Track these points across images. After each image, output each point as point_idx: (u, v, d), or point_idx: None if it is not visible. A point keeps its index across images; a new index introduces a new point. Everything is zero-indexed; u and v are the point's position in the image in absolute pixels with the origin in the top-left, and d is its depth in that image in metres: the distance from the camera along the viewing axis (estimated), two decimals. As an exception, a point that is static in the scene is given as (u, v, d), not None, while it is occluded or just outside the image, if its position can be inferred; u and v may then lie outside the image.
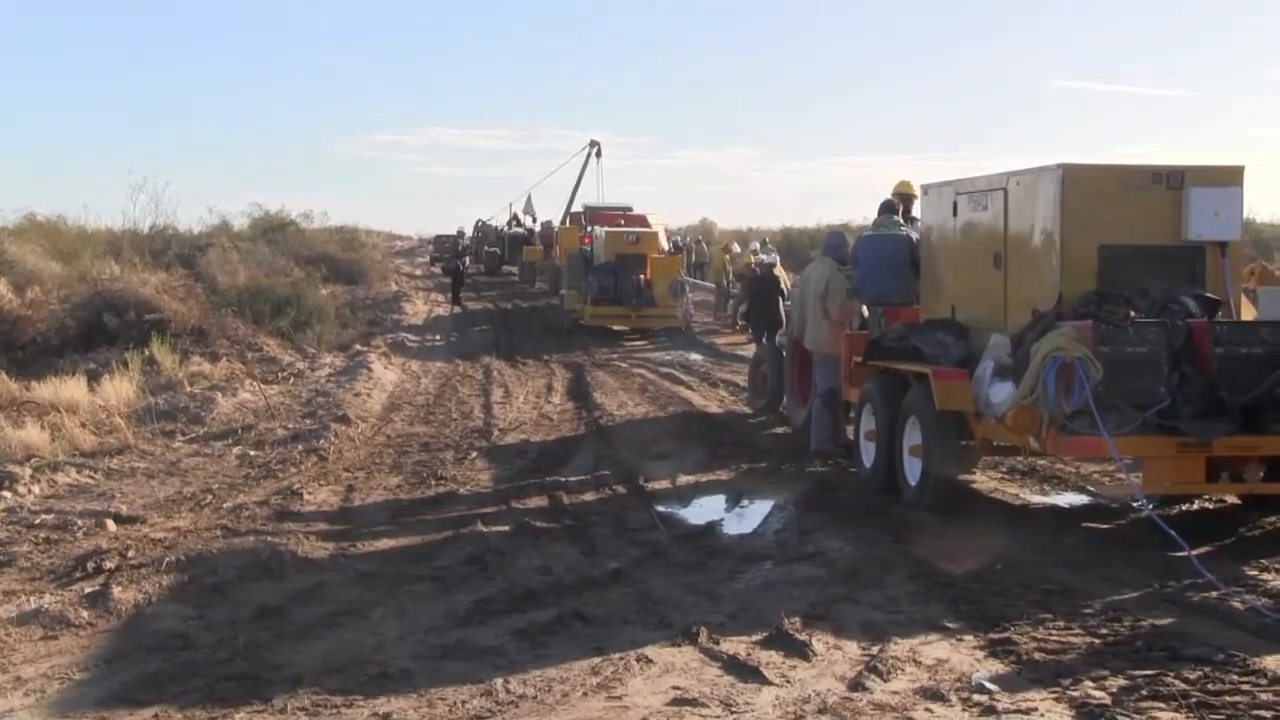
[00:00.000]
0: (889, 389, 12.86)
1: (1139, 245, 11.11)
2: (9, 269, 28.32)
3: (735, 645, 8.03)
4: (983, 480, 13.50)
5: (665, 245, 37.37)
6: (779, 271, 25.87)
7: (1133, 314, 10.55)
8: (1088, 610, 8.66)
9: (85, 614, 8.82)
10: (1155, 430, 10.28)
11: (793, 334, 17.82)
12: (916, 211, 15.22)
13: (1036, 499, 12.85)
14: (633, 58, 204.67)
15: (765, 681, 7.38)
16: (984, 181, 12.31)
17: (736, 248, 41.98)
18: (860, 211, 62.38)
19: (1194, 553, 9.35)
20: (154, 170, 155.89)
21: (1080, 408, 10.08)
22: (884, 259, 14.68)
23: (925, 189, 13.71)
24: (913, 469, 12.16)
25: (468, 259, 48.87)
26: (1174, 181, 11.16)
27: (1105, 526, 11.58)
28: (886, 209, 15.14)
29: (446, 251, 43.76)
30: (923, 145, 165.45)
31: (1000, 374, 11.05)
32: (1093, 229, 11.00)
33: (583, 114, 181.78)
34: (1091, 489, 12.95)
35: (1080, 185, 11.02)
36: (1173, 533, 9.60)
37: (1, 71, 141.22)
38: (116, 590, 9.29)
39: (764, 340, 25.51)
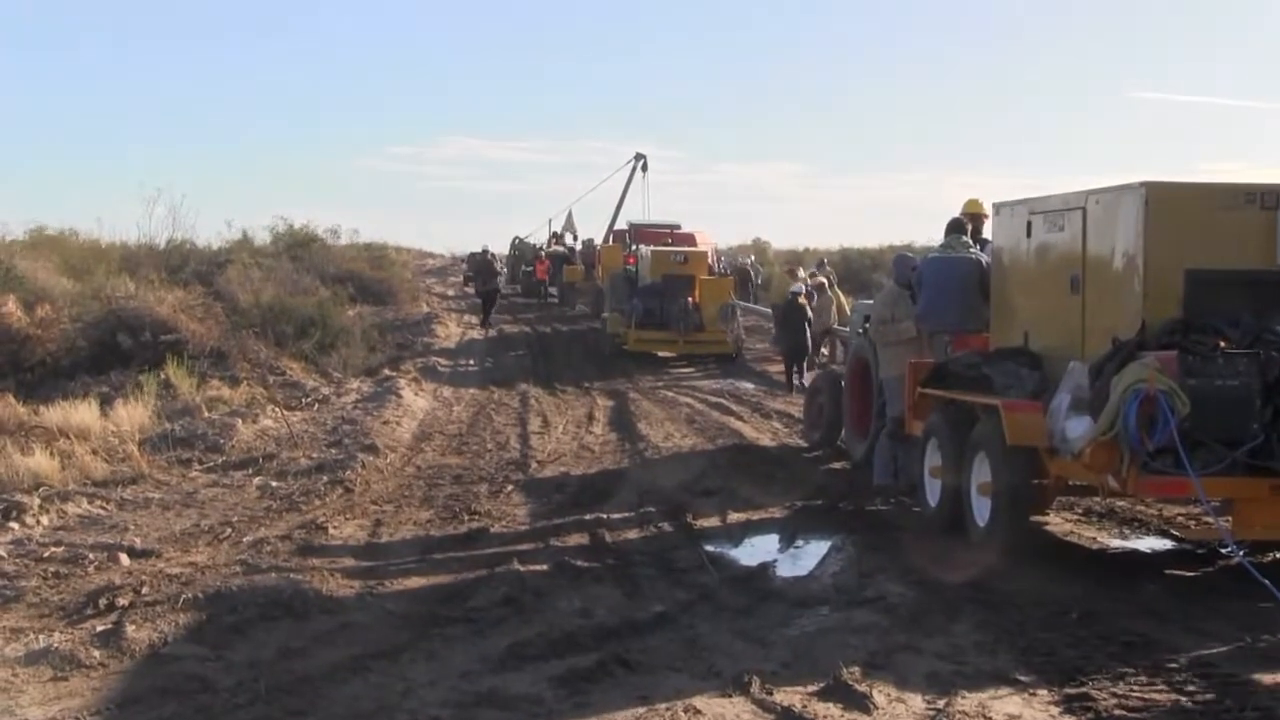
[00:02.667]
0: (956, 422, 12.81)
1: (1229, 270, 10.99)
2: (18, 285, 28.49)
3: (790, 696, 7.99)
4: (1057, 522, 13.41)
5: (714, 265, 37.32)
6: (803, 300, 27.77)
7: (1222, 344, 10.45)
8: (1172, 665, 8.58)
9: (97, 654, 8.85)
10: (1246, 470, 10.19)
11: (850, 361, 17.81)
12: (987, 232, 15.16)
13: (1115, 543, 12.76)
14: (676, 68, 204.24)
15: (822, 736, 7.34)
16: (1060, 200, 12.24)
17: (801, 272, 42.05)
18: (924, 231, 62.27)
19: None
20: (171, 182, 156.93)
21: (1164, 445, 9.99)
22: (951, 282, 14.62)
23: (997, 208, 13.64)
24: (981, 508, 12.09)
25: (501, 279, 48.94)
26: (1269, 201, 11.04)
27: (1191, 574, 11.49)
28: (954, 228, 15.10)
29: (483, 270, 44.00)
30: (986, 161, 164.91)
31: (1077, 407, 10.97)
32: (1178, 252, 10.91)
33: (624, 125, 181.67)
34: (1176, 533, 12.84)
35: (1165, 205, 10.93)
36: (1266, 582, 9.49)
37: (11, 77, 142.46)
38: (130, 629, 9.32)
39: (793, 368, 27.51)
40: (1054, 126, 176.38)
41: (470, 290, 56.01)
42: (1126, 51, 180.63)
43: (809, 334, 27.69)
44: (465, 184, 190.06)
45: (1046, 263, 12.46)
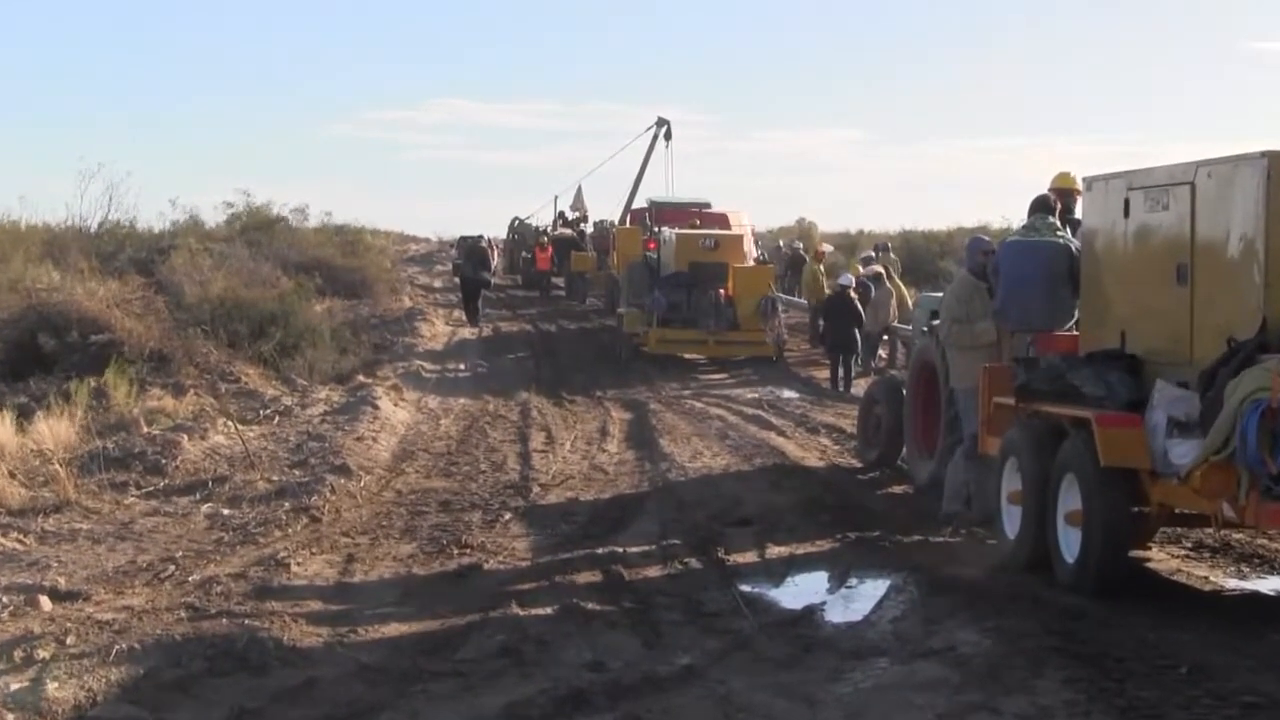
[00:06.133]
0: (1039, 439, 12.78)
1: (1368, 255, 10.96)
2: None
3: (841, 767, 7.97)
4: (1161, 558, 13.38)
5: (753, 252, 37.33)
6: (854, 293, 29.25)
7: (1361, 345, 10.42)
8: (1302, 730, 8.55)
9: (11, 717, 8.84)
10: (1391, 497, 10.15)
11: (913, 366, 17.80)
12: (1078, 212, 15.11)
13: (1232, 584, 12.73)
14: (705, 14, 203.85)
15: (880, 815, 7.32)
16: (1164, 174, 12.21)
17: (826, 247, 42.24)
18: (1003, 210, 62.22)
19: None
20: (113, 156, 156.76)
21: (1290, 466, 9.96)
22: (1033, 272, 14.59)
23: (1088, 183, 13.61)
24: (1069, 541, 12.06)
25: (490, 273, 48.43)
26: None
27: (1324, 621, 11.45)
28: (1040, 207, 15.03)
29: (473, 256, 43.85)
30: (1078, 124, 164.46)
31: (1182, 430, 10.95)
32: (1307, 235, 10.88)
33: (645, 85, 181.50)
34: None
35: (1292, 178, 10.90)
36: None
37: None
38: (51, 686, 9.31)
39: (839, 367, 28.84)
40: (1160, 85, 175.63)
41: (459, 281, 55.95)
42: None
43: (858, 333, 28.26)
44: (456, 154, 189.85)
45: (1148, 248, 12.42)
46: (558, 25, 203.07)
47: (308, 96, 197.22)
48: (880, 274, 31.84)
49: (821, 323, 31.69)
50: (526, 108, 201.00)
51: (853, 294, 29.26)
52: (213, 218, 51.89)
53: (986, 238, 17.37)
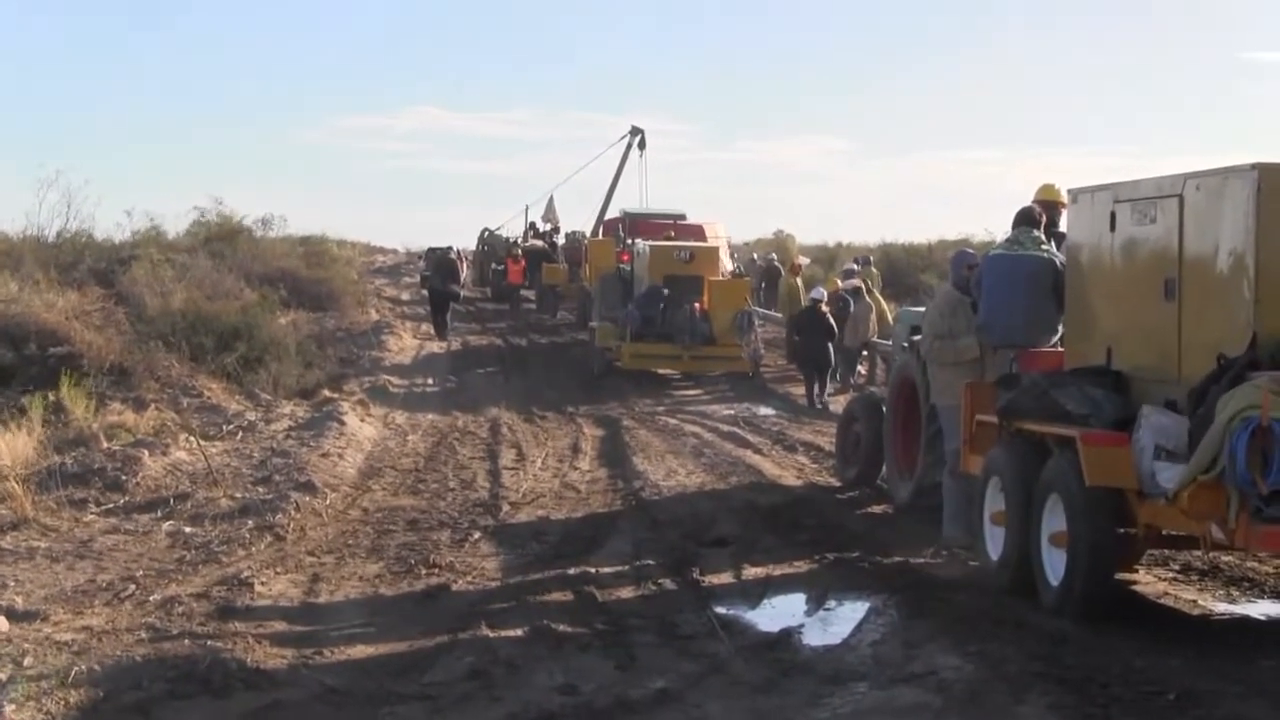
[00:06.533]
0: (1022, 458, 12.77)
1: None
2: None
3: (821, 794, 7.95)
4: (1148, 581, 13.39)
5: (729, 264, 37.31)
6: (825, 307, 29.68)
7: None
8: (1292, 758, 8.54)
9: (-34, 741, 8.81)
10: (1385, 519, 10.15)
11: (893, 383, 17.80)
12: (1063, 225, 15.12)
13: (1221, 608, 12.72)
14: (683, 21, 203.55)
15: (861, 844, 7.31)
16: (1152, 186, 12.21)
17: (804, 260, 42.32)
18: (983, 223, 62.30)
19: None
20: (71, 163, 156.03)
21: (1281, 487, 9.96)
22: (1016, 286, 14.59)
23: (1074, 195, 13.62)
24: (1054, 563, 12.05)
25: (460, 286, 48.14)
26: None
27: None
28: (1023, 220, 15.03)
29: (441, 268, 43.77)
30: (1072, 136, 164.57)
31: (1169, 455, 10.96)
32: (1299, 250, 10.89)
33: (625, 93, 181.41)
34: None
35: (1282, 192, 10.91)
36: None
37: None
38: (9, 709, 9.26)
39: (814, 384, 29.16)
40: (1157, 96, 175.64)
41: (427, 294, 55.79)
42: (1237, 3, 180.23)
43: (831, 348, 28.53)
44: (427, 163, 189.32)
45: (1135, 262, 12.43)
46: (538, 33, 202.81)
47: (277, 102, 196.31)
48: (860, 288, 31.84)
49: (796, 338, 31.86)
50: (500, 115, 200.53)
51: (824, 308, 29.60)
52: (175, 227, 51.78)
53: (971, 250, 17.37)
